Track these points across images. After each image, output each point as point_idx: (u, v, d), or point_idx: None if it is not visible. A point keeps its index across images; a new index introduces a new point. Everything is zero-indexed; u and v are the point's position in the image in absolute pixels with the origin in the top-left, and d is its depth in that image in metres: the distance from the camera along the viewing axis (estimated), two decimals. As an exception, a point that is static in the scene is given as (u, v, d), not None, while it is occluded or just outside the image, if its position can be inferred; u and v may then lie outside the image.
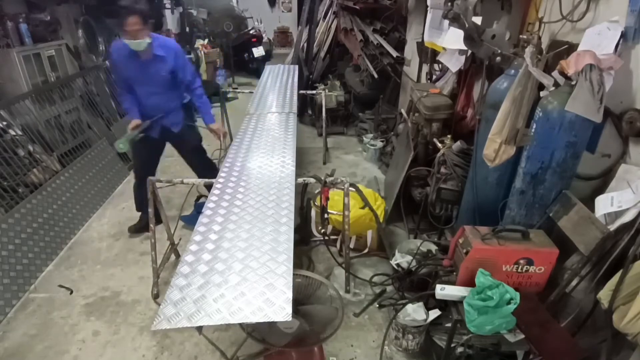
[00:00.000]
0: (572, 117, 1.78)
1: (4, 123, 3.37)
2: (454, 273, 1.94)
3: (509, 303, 1.62)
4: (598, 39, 1.87)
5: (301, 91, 4.74)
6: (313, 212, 3.06)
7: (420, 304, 2.12)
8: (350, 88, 5.60)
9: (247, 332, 1.88)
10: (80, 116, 4.35)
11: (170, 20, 8.08)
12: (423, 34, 3.74)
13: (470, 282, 1.77)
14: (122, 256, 3.11)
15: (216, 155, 4.03)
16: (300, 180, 2.44)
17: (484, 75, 2.74)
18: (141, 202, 3.20)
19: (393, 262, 2.41)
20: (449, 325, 1.96)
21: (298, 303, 1.82)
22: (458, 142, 2.82)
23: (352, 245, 3.02)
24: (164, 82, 2.88)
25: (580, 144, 1.88)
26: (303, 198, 3.00)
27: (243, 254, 1.59)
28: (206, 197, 2.07)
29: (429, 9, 3.38)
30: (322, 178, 2.45)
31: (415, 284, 2.26)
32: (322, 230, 2.72)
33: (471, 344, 1.86)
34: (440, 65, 3.65)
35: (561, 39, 2.19)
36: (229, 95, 6.37)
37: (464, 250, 1.85)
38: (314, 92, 5.15)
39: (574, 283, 1.80)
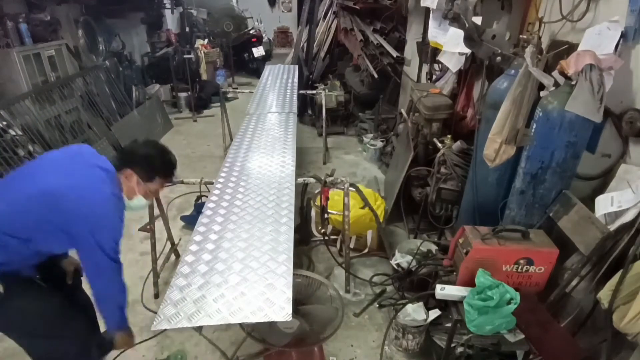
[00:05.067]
0: (572, 117, 1.78)
1: (4, 123, 3.37)
2: (454, 273, 1.94)
3: (509, 303, 1.62)
4: (598, 39, 1.87)
5: (301, 91, 4.74)
6: (313, 212, 3.06)
7: (420, 304, 2.12)
8: (350, 88, 5.60)
9: (247, 332, 1.88)
10: (80, 116, 4.35)
11: (170, 20, 8.09)
12: (423, 33, 3.74)
13: (470, 282, 1.77)
14: (122, 256, 3.00)
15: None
16: (300, 180, 2.44)
17: (484, 75, 2.74)
18: None
19: (393, 262, 2.41)
20: (449, 325, 1.96)
21: (298, 303, 1.82)
22: (458, 142, 2.82)
23: (352, 245, 3.02)
24: None
25: (580, 144, 1.88)
26: (303, 198, 3.00)
27: (243, 254, 1.59)
28: (206, 197, 2.07)
29: (431, 8, 3.38)
30: (322, 178, 2.45)
31: (415, 284, 2.26)
32: (322, 230, 2.72)
33: (471, 344, 1.85)
34: (440, 65, 3.65)
35: (561, 39, 2.19)
36: (229, 95, 6.38)
37: (464, 250, 1.85)
38: (314, 92, 5.15)
39: (574, 283, 1.80)
